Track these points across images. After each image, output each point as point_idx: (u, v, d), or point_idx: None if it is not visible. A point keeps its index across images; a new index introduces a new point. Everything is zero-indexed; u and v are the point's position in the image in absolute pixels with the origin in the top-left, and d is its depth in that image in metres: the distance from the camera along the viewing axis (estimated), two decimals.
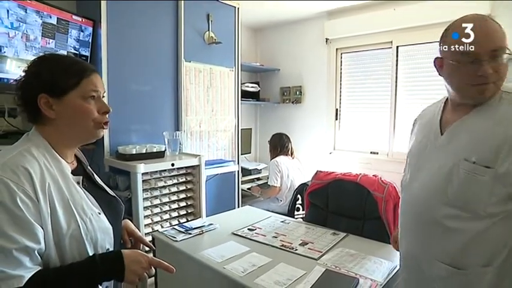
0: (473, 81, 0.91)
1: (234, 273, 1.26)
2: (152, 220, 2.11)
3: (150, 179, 2.10)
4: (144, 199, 2.04)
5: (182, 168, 2.27)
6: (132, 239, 1.09)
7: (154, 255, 1.20)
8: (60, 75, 0.81)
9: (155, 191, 2.12)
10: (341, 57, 3.57)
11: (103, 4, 2.08)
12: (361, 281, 1.21)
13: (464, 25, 0.91)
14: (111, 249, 0.88)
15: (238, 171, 3.02)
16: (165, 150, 2.31)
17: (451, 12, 2.50)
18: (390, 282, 1.25)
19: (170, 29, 2.49)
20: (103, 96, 0.89)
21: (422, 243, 1.03)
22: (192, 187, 2.34)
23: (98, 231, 0.83)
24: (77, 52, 2.07)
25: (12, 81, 1.69)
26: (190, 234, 1.64)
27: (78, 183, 0.85)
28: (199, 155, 2.33)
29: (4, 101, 1.82)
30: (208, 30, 2.70)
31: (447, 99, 1.09)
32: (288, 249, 1.49)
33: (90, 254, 0.81)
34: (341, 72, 3.58)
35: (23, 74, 0.83)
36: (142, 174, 2.00)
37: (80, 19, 2.05)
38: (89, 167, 0.99)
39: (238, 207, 2.97)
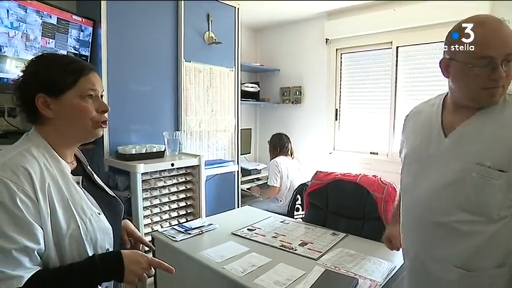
0: (486, 84, 0.89)
1: (233, 273, 1.26)
2: (152, 220, 2.11)
3: (149, 179, 2.10)
4: (143, 199, 2.04)
5: (182, 168, 2.27)
6: (131, 239, 1.09)
7: (153, 256, 1.20)
8: (58, 74, 0.81)
9: (155, 191, 2.12)
10: (341, 58, 3.57)
11: (103, 4, 2.08)
12: (360, 281, 1.21)
13: (478, 27, 0.88)
14: (111, 249, 0.88)
15: (238, 171, 3.02)
16: (165, 150, 2.31)
17: (451, 13, 2.51)
18: (389, 282, 1.25)
19: (170, 29, 2.49)
20: (102, 96, 0.89)
21: (431, 247, 1.01)
22: (191, 187, 2.34)
23: (97, 231, 0.83)
24: (77, 52, 2.07)
25: (11, 81, 1.69)
26: (189, 234, 1.64)
27: (77, 183, 0.85)
28: (199, 155, 2.33)
29: (4, 100, 1.82)
30: (208, 30, 2.70)
31: (444, 99, 1.07)
32: (287, 249, 1.49)
33: (90, 254, 0.80)
34: (341, 73, 3.58)
35: (20, 74, 0.83)
36: (142, 174, 2.00)
37: (80, 19, 2.05)
38: (88, 167, 0.99)
39: (238, 207, 2.97)
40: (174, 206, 2.24)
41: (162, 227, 2.12)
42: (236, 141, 3.02)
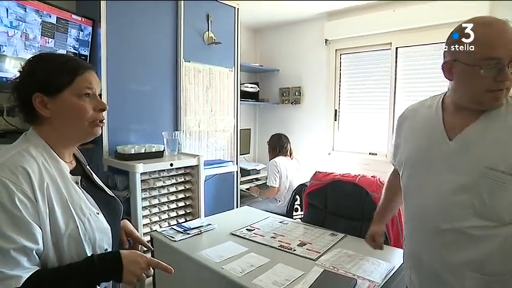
0: (491, 86, 0.88)
1: (232, 273, 1.26)
2: (150, 220, 2.11)
3: (148, 179, 2.10)
4: (142, 199, 2.04)
5: (181, 168, 2.27)
6: (130, 239, 1.09)
7: (152, 256, 1.20)
8: (54, 73, 0.81)
9: (154, 191, 2.12)
10: (340, 58, 3.57)
11: (103, 4, 2.08)
12: (359, 281, 1.21)
13: (484, 28, 0.87)
14: (110, 249, 0.87)
15: (237, 171, 3.02)
16: (164, 150, 2.30)
17: (451, 14, 2.52)
18: (388, 283, 1.25)
19: (170, 29, 2.49)
20: (99, 94, 0.88)
21: (443, 252, 0.98)
22: (190, 187, 2.34)
23: (96, 231, 0.83)
24: (77, 51, 2.07)
25: (9, 80, 1.69)
26: (188, 234, 1.64)
27: (76, 183, 0.85)
28: (198, 155, 2.33)
29: (3, 100, 1.80)
30: (208, 30, 2.70)
31: (442, 100, 1.05)
32: (286, 249, 1.49)
33: (89, 254, 0.80)
34: (340, 73, 3.59)
35: (17, 74, 0.83)
36: (141, 174, 2.00)
37: (79, 18, 2.05)
38: (88, 167, 0.99)
39: (237, 207, 2.97)
40: (173, 206, 2.24)
41: (161, 227, 2.12)
42: (235, 141, 3.02)
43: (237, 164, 3.02)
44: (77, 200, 0.82)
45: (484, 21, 0.89)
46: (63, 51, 1.97)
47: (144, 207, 2.06)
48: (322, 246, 1.53)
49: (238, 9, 2.92)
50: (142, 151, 2.15)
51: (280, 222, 1.87)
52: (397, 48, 3.11)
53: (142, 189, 2.03)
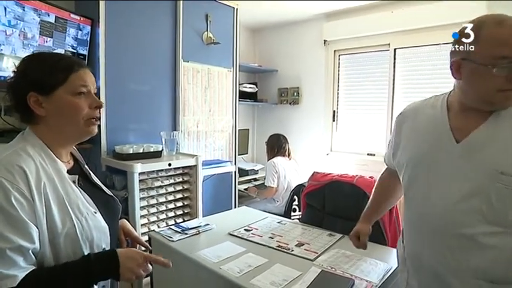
0: (503, 86, 0.84)
1: (230, 273, 1.26)
2: (149, 220, 2.11)
3: (146, 179, 2.09)
4: (140, 199, 2.03)
5: (179, 168, 2.26)
6: (128, 238, 1.09)
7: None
8: (48, 71, 0.81)
9: (152, 191, 2.11)
10: (339, 59, 3.58)
11: (101, 3, 2.08)
12: (356, 282, 1.22)
13: (496, 26, 0.84)
14: (108, 248, 0.87)
15: (235, 171, 3.02)
16: (162, 150, 2.30)
17: (449, 15, 2.52)
18: (385, 283, 1.25)
19: (168, 29, 2.49)
20: (95, 93, 0.88)
21: (445, 255, 0.94)
22: (188, 187, 2.33)
23: (93, 230, 0.82)
24: (75, 51, 2.06)
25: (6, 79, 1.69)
26: (186, 234, 1.64)
27: (74, 182, 0.85)
28: (196, 155, 2.33)
29: (0, 99, 1.81)
30: (207, 30, 2.70)
31: (447, 100, 1.00)
32: (284, 250, 1.49)
33: (86, 253, 0.80)
34: (339, 74, 3.60)
35: (12, 74, 0.83)
36: (139, 174, 2.00)
37: (78, 18, 2.05)
38: (86, 166, 0.99)
39: (235, 207, 2.97)
40: (171, 206, 2.23)
41: (159, 227, 2.11)
42: (234, 141, 3.02)
43: (235, 164, 3.02)
44: (74, 199, 0.81)
45: (495, 20, 0.85)
46: (61, 51, 1.96)
47: (142, 207, 2.06)
48: (320, 246, 1.53)
49: (237, 9, 2.92)
50: (141, 151, 2.15)
51: (278, 222, 1.87)
52: (395, 49, 3.12)
53: (140, 189, 2.02)
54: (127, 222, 1.12)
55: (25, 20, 1.78)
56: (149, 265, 0.87)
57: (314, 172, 2.11)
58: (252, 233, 1.68)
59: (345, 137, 3.60)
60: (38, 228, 0.73)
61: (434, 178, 0.97)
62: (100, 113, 0.89)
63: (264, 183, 3.29)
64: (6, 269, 0.68)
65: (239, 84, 3.22)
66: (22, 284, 0.69)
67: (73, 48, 2.05)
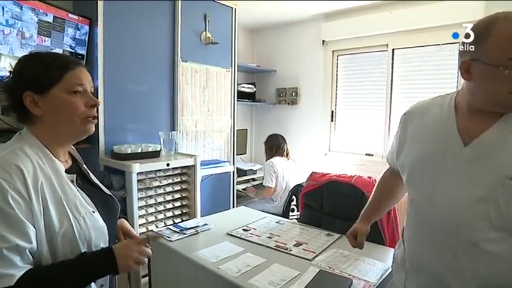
0: None
1: (228, 273, 1.26)
2: (147, 220, 2.10)
3: (145, 179, 2.09)
4: (138, 199, 2.03)
5: (177, 168, 2.26)
6: (127, 238, 1.08)
7: (148, 257, 1.20)
8: (43, 70, 0.80)
9: (150, 191, 2.11)
10: (337, 59, 3.59)
11: (100, 3, 2.07)
12: (354, 281, 1.22)
13: (508, 25, 0.81)
14: None
15: (233, 171, 3.01)
16: (161, 150, 2.30)
17: (448, 16, 2.53)
18: (383, 283, 1.26)
19: (167, 29, 2.48)
20: (91, 92, 0.88)
21: (448, 258, 0.92)
22: (187, 187, 2.33)
23: (91, 229, 0.82)
24: (73, 51, 2.06)
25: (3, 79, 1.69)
26: (185, 234, 1.64)
27: (72, 181, 0.85)
28: (194, 155, 2.33)
29: None
30: (205, 30, 2.70)
31: (454, 100, 0.97)
32: (282, 249, 1.50)
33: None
34: (337, 74, 3.60)
35: (8, 74, 0.83)
36: (138, 173, 2.00)
37: (76, 17, 2.04)
38: (84, 165, 0.99)
39: (233, 207, 2.97)
40: (169, 206, 2.23)
41: (157, 226, 2.11)
42: (232, 141, 3.02)
43: (233, 164, 3.02)
44: (72, 198, 0.81)
45: (508, 19, 0.82)
46: (59, 50, 1.96)
47: (140, 207, 2.05)
48: (318, 246, 1.54)
49: (235, 9, 2.92)
50: (139, 151, 2.15)
51: (277, 222, 1.87)
52: (393, 49, 3.13)
53: (138, 189, 2.02)
54: (126, 221, 1.11)
55: (23, 19, 1.77)
56: (148, 249, 0.88)
57: (312, 172, 2.11)
58: (250, 233, 1.68)
59: (343, 137, 3.61)
60: (35, 227, 0.73)
61: (440, 178, 0.95)
62: (97, 112, 0.89)
63: (262, 183, 3.29)
64: (3, 268, 0.68)
65: (237, 84, 3.22)
66: (19, 283, 0.69)
67: (71, 48, 2.05)
